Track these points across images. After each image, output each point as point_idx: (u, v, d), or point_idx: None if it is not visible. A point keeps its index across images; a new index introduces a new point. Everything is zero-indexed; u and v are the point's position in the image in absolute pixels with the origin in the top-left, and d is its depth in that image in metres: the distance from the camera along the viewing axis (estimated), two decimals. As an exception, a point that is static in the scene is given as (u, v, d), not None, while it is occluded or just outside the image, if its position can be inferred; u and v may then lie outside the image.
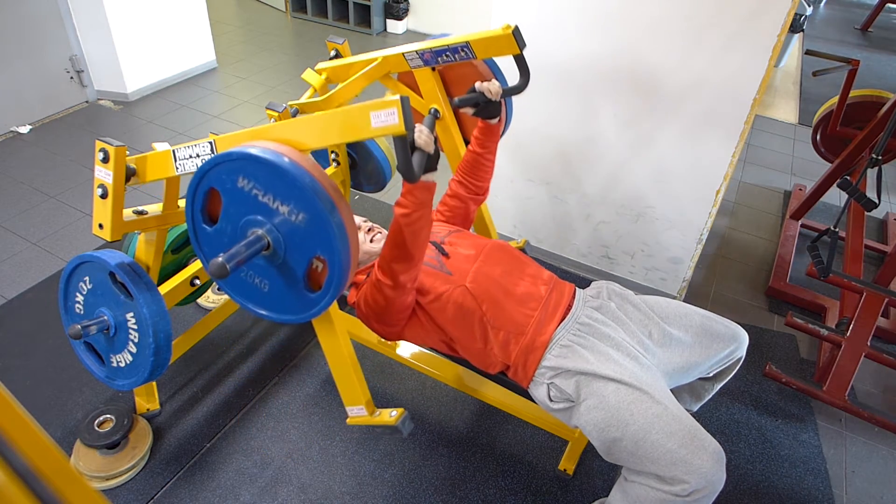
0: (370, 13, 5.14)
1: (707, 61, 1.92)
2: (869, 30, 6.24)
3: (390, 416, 1.50)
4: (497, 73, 1.90)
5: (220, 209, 1.20)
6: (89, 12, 3.44)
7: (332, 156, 2.22)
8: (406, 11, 5.22)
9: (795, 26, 4.86)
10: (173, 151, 1.34)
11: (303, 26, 5.34)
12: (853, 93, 2.85)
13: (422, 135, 1.21)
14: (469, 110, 1.58)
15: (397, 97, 1.08)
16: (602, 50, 2.07)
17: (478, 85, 1.57)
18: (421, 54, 1.74)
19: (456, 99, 1.54)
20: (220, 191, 1.18)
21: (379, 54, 1.81)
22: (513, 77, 1.70)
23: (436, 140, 1.27)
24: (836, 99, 2.89)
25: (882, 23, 6.35)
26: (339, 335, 1.46)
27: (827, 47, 5.51)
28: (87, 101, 3.74)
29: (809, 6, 5.25)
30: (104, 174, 1.37)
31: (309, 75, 1.90)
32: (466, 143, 1.95)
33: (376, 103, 1.09)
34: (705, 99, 1.99)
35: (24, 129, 3.38)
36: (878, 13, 6.18)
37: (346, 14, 5.28)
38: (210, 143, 1.27)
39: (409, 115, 1.09)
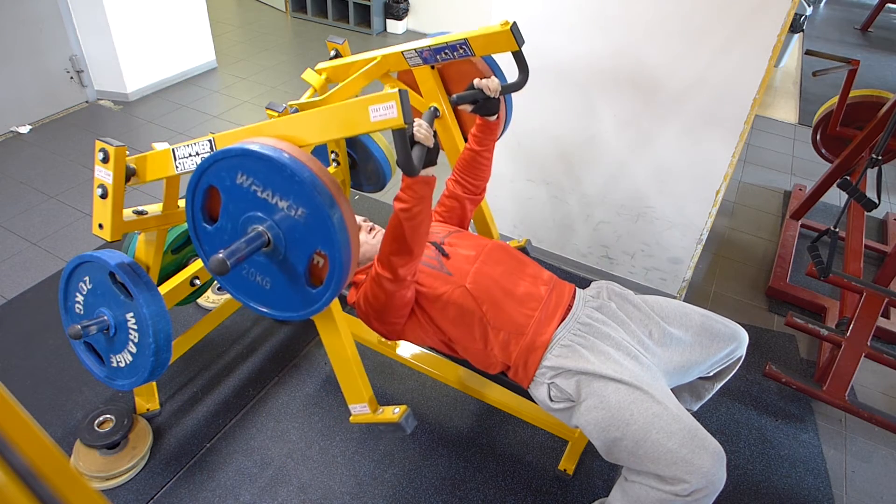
0: (370, 13, 5.14)
1: (707, 61, 1.92)
2: (869, 30, 6.23)
3: (393, 412, 1.51)
4: (496, 71, 1.90)
5: (220, 207, 1.20)
6: (89, 12, 3.44)
7: (332, 156, 2.22)
8: (406, 11, 5.22)
9: (795, 26, 4.86)
10: (173, 150, 1.34)
11: (303, 26, 5.34)
12: (853, 93, 2.85)
13: (421, 128, 1.21)
14: (468, 107, 1.58)
15: (395, 90, 1.08)
16: (602, 50, 2.07)
17: (476, 82, 1.55)
18: (420, 52, 1.74)
19: (454, 96, 1.53)
20: (219, 188, 1.18)
21: (378, 53, 1.81)
22: (512, 74, 1.70)
23: (435, 135, 1.28)
24: (836, 99, 2.89)
25: (882, 23, 6.35)
26: (342, 333, 1.46)
27: (827, 47, 5.51)
28: (87, 101, 3.74)
29: (809, 6, 5.25)
30: (104, 174, 1.38)
31: (309, 75, 1.90)
32: (466, 141, 1.96)
33: (375, 97, 1.10)
34: (705, 99, 1.99)
35: (24, 129, 3.38)
36: (878, 13, 6.18)
37: (346, 14, 5.28)
38: (209, 141, 1.27)
39: (408, 109, 1.10)
